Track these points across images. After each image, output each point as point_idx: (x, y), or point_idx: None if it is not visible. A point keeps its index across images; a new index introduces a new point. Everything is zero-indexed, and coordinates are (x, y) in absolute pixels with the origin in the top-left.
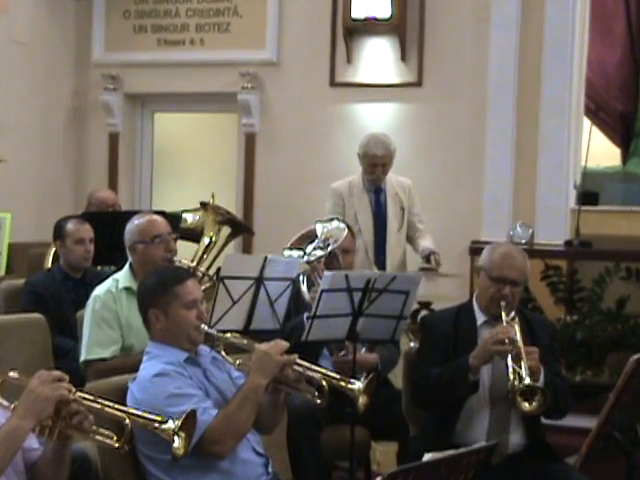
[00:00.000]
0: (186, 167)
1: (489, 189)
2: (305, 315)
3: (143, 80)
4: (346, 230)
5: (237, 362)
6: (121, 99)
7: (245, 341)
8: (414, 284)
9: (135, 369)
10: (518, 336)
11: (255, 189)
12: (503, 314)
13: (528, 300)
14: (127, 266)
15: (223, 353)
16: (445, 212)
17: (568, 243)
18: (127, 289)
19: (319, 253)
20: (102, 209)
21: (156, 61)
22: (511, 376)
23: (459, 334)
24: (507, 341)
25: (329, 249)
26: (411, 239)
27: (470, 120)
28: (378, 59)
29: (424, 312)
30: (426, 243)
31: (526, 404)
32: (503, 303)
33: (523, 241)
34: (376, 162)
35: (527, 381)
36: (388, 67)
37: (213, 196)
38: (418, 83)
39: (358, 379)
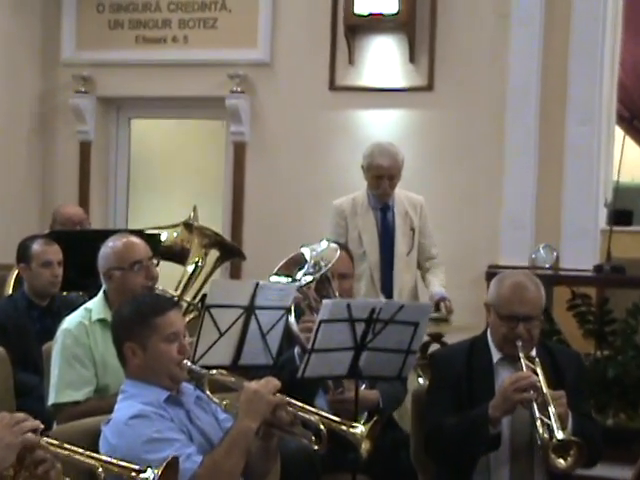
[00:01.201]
0: (167, 180)
1: (508, 207)
2: (295, 349)
3: (119, 82)
4: (339, 250)
5: (224, 402)
6: (94, 103)
7: (233, 378)
8: (424, 314)
9: (111, 412)
10: (542, 380)
11: (245, 206)
12: (521, 355)
13: (552, 332)
14: (101, 294)
15: (208, 392)
16: (458, 233)
17: (598, 268)
18: (101, 321)
19: (309, 278)
20: (68, 227)
21: (134, 61)
22: (540, 429)
23: (474, 373)
24: (530, 388)
25: (320, 273)
26: (421, 266)
27: (487, 129)
28: (384, 60)
29: (435, 346)
30: (436, 284)
31: (561, 461)
32: (519, 343)
33: (547, 265)
34: (382, 174)
35: (560, 435)
36: (395, 69)
37: (195, 210)
38: (428, 87)
39: (360, 421)
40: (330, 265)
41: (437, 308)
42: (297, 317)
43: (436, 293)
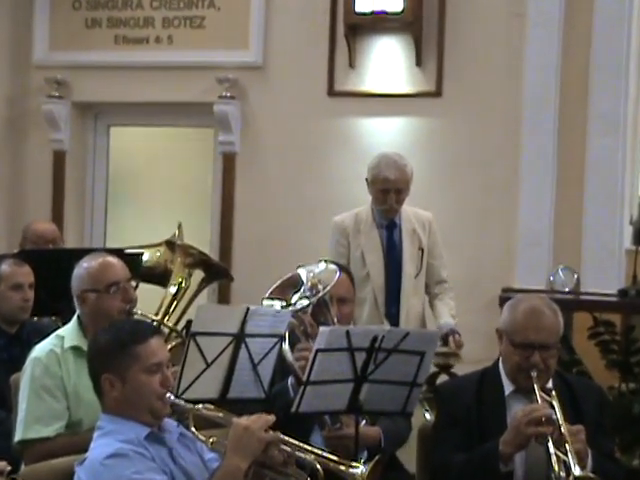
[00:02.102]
0: (149, 195)
1: (524, 224)
2: (289, 380)
3: (96, 86)
4: (338, 272)
5: (211, 440)
6: (68, 109)
7: (221, 414)
8: (431, 343)
9: (85, 449)
10: (558, 413)
11: (235, 223)
12: (536, 387)
13: (572, 363)
14: (75, 320)
15: (193, 429)
16: (469, 253)
17: (623, 292)
18: (75, 349)
19: (305, 302)
20: (39, 245)
21: (113, 63)
22: (555, 466)
23: (484, 407)
24: (545, 421)
25: (317, 297)
26: (429, 291)
27: (501, 139)
28: (387, 63)
29: (443, 377)
30: (446, 314)
31: None
32: (534, 373)
33: (566, 289)
34: (388, 187)
35: (577, 472)
36: (399, 73)
37: (180, 227)
38: (437, 93)
39: (360, 461)
40: (328, 288)
41: (445, 342)
42: (292, 345)
43: (444, 325)
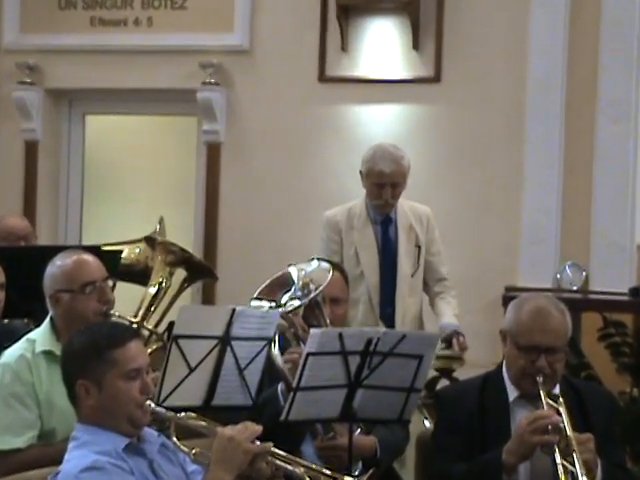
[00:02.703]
0: (128, 187)
1: (529, 219)
2: (279, 386)
3: (71, 72)
4: (331, 271)
5: (194, 451)
6: (41, 96)
7: (204, 423)
8: (430, 345)
9: (59, 461)
10: (566, 421)
11: (220, 217)
12: (542, 393)
13: (580, 367)
14: (47, 322)
15: (175, 439)
16: (470, 250)
17: (634, 291)
18: (47, 353)
19: (296, 303)
20: (11, 241)
21: (88, 47)
22: (562, 477)
23: (487, 414)
24: (551, 429)
25: (309, 297)
26: (429, 290)
27: (504, 128)
28: (382, 46)
29: (444, 382)
30: (448, 314)
31: None
32: (540, 378)
33: (574, 288)
34: (384, 182)
35: None
36: (395, 57)
37: (161, 222)
38: (435, 79)
39: (354, 473)
40: (321, 288)
41: (449, 344)
42: (282, 349)
43: (447, 325)
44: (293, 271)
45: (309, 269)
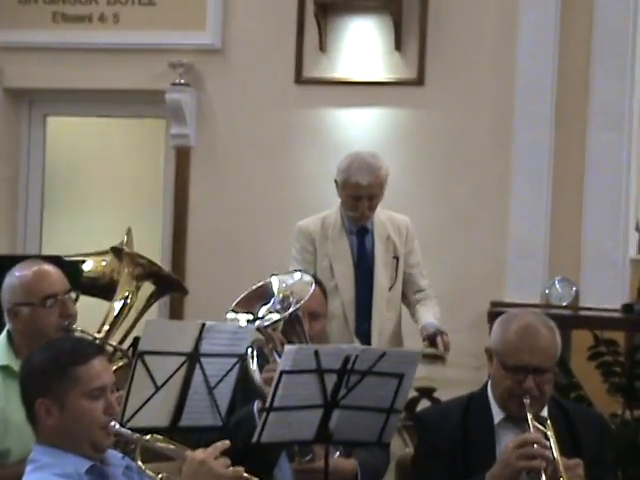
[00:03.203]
0: (91, 194)
1: (516, 231)
2: (255, 405)
3: (31, 70)
4: (313, 285)
5: (160, 476)
6: None
7: (172, 445)
8: (411, 364)
9: None
10: (554, 445)
11: (189, 227)
12: (529, 415)
13: (569, 388)
14: (4, 336)
15: (140, 462)
16: (454, 263)
17: (627, 308)
18: (4, 369)
19: (275, 317)
20: None
21: (50, 44)
22: None
23: (470, 438)
24: (539, 454)
25: (289, 311)
26: (408, 302)
27: (490, 134)
28: (363, 47)
29: (425, 403)
30: (429, 316)
31: None
32: (527, 400)
33: (564, 304)
34: (360, 193)
35: None
36: (376, 58)
37: (129, 232)
38: (418, 81)
39: None
40: (302, 302)
41: (432, 343)
42: (261, 365)
43: (429, 323)
44: (274, 282)
45: (290, 281)
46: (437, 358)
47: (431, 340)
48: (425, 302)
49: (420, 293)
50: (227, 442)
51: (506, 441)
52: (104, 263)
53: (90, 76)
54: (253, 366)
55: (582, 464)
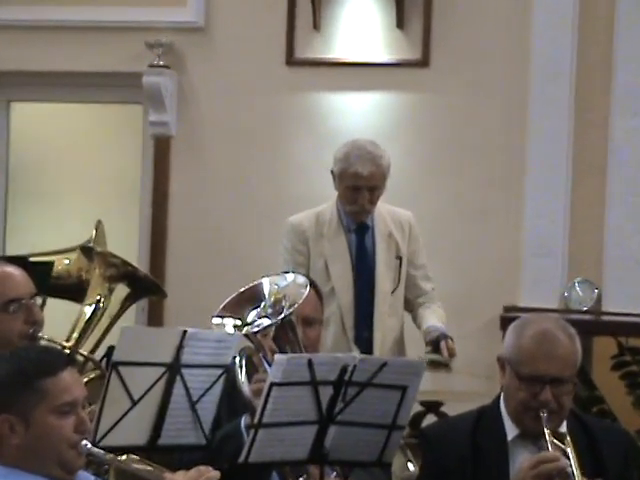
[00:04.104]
0: (61, 187)
1: (532, 228)
2: (243, 420)
3: None
4: (308, 288)
5: None
6: None
7: (150, 467)
8: (415, 375)
9: None
10: (574, 464)
11: (169, 223)
12: (546, 431)
13: (592, 400)
14: None
15: None
16: (464, 264)
17: None
18: None
19: (266, 322)
20: None
21: (14, 22)
22: None
23: (481, 456)
24: (557, 474)
25: (281, 316)
26: (412, 305)
27: (503, 120)
28: (361, 25)
29: (431, 418)
30: (433, 319)
31: None
32: (544, 413)
33: (584, 308)
34: (359, 185)
35: None
36: (376, 37)
37: (99, 227)
38: (423, 62)
39: None
40: (296, 306)
41: (435, 348)
42: (250, 375)
43: (433, 327)
44: (265, 284)
45: (283, 283)
46: (441, 365)
47: (434, 345)
48: (429, 305)
49: (423, 297)
50: (217, 474)
51: (521, 460)
52: (67, 262)
53: (59, 57)
54: (241, 377)
55: None
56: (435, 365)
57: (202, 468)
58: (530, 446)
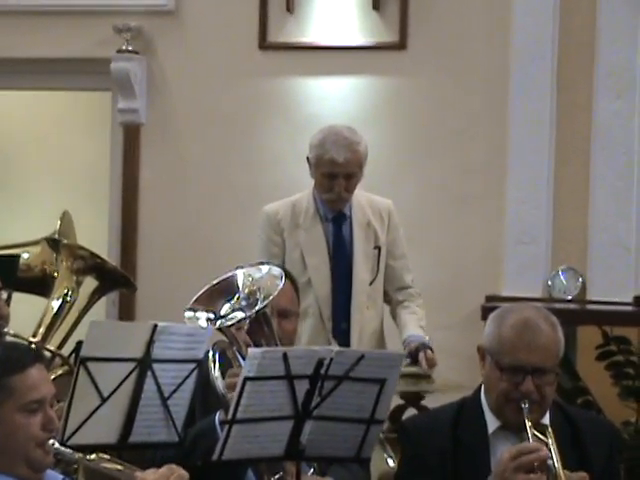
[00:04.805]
0: (26, 177)
1: (514, 215)
2: (217, 415)
3: None
4: (283, 279)
5: None
6: None
7: (120, 466)
8: (394, 367)
9: None
10: (556, 456)
11: (140, 213)
12: (527, 423)
13: (576, 391)
14: None
15: None
16: (444, 252)
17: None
18: None
19: (240, 315)
20: None
21: None
22: None
23: (462, 450)
24: (538, 466)
25: (256, 309)
26: (389, 300)
27: (483, 104)
28: (336, 7)
29: (411, 411)
30: (413, 326)
31: None
32: (525, 405)
33: (569, 297)
34: (336, 171)
35: None
36: (352, 20)
37: (65, 216)
38: (400, 45)
39: None
40: (271, 298)
41: (414, 360)
42: (224, 370)
43: (412, 338)
44: (239, 275)
45: (257, 275)
46: (421, 377)
47: (413, 357)
48: (408, 304)
49: (403, 292)
50: (185, 474)
51: (502, 452)
52: (31, 255)
53: (23, 43)
54: (215, 372)
55: (588, 478)
56: (415, 377)
57: (173, 467)
58: (512, 438)
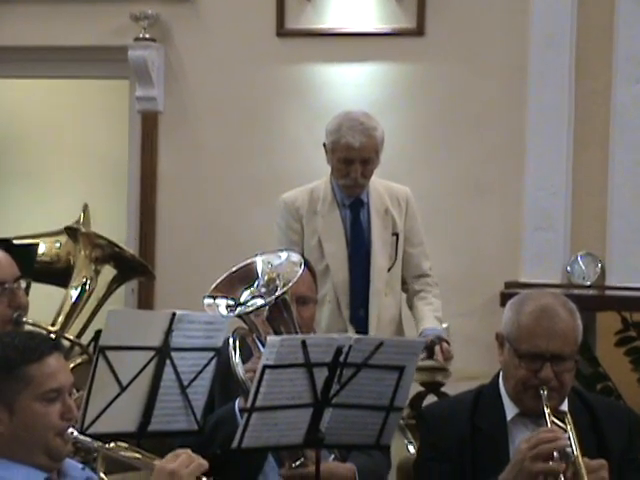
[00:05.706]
0: (44, 166)
1: (533, 200)
2: (237, 402)
3: None
4: (302, 266)
5: None
6: None
7: (139, 454)
8: (413, 354)
9: None
10: (574, 443)
11: (158, 202)
12: (546, 409)
13: (595, 378)
14: None
15: (102, 475)
16: (463, 239)
17: None
18: None
19: (259, 302)
20: None
21: None
22: None
23: (480, 437)
24: (557, 454)
25: (275, 296)
26: (408, 287)
27: (502, 90)
28: None
29: (431, 398)
30: (429, 317)
31: None
32: (544, 392)
33: (588, 283)
34: (352, 157)
35: None
36: (370, 6)
37: (86, 209)
38: (418, 31)
39: None
40: (290, 285)
41: (430, 353)
42: (244, 357)
43: (428, 331)
44: (259, 262)
45: (276, 261)
46: (437, 370)
47: (429, 350)
48: (425, 295)
49: (421, 280)
50: (206, 464)
51: (520, 440)
52: (58, 245)
53: (39, 31)
54: (235, 358)
55: (607, 466)
56: (431, 371)
57: (192, 454)
58: (530, 425)
